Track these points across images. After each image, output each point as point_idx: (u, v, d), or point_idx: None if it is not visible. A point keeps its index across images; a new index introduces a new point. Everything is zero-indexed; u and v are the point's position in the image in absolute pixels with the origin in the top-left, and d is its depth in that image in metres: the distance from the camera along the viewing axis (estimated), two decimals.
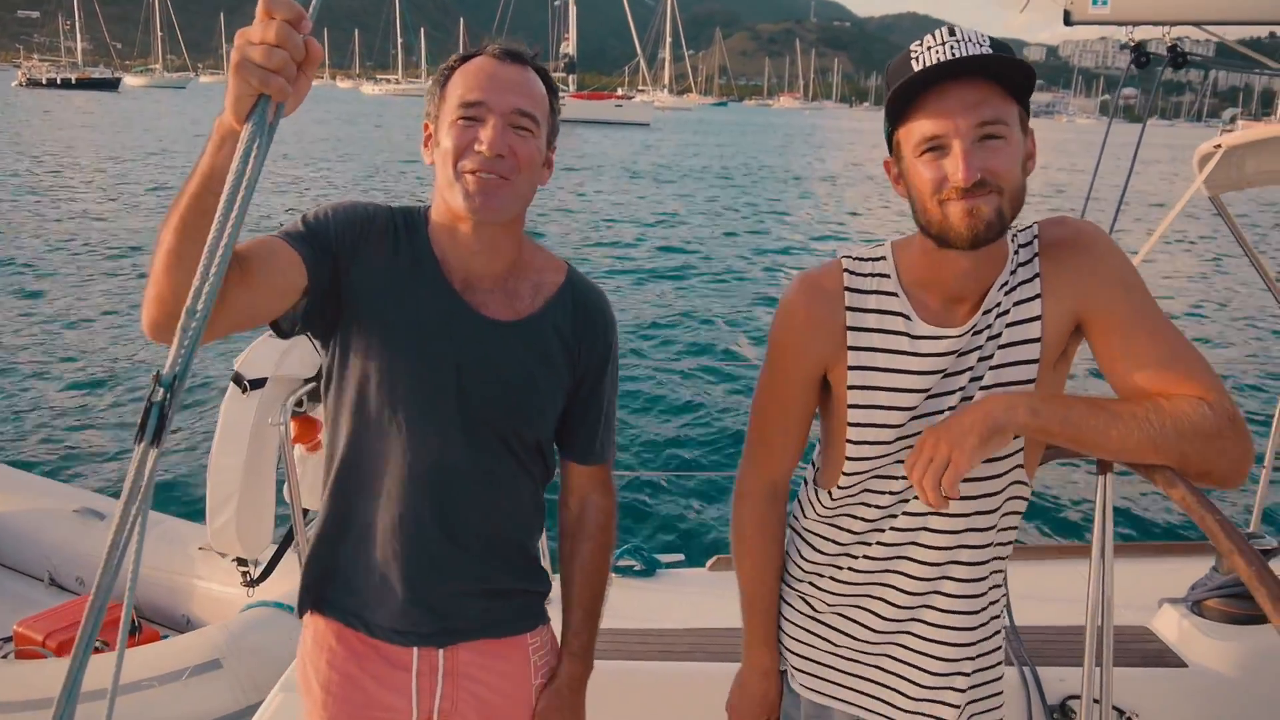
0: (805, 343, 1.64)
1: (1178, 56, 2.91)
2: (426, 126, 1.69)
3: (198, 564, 3.30)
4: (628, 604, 3.11)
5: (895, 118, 1.48)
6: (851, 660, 1.75)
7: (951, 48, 1.40)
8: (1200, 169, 3.22)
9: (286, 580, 3.16)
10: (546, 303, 1.74)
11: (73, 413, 8.38)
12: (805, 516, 1.77)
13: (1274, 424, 3.57)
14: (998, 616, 1.73)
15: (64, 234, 17.13)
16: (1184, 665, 2.78)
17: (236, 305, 1.38)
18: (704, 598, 3.13)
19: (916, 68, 1.41)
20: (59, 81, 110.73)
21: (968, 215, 1.41)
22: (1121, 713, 2.64)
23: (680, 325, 11.91)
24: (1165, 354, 1.46)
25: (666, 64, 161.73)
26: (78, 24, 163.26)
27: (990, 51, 1.40)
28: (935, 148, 1.42)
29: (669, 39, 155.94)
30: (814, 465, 1.78)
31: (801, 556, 1.77)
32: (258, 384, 2.49)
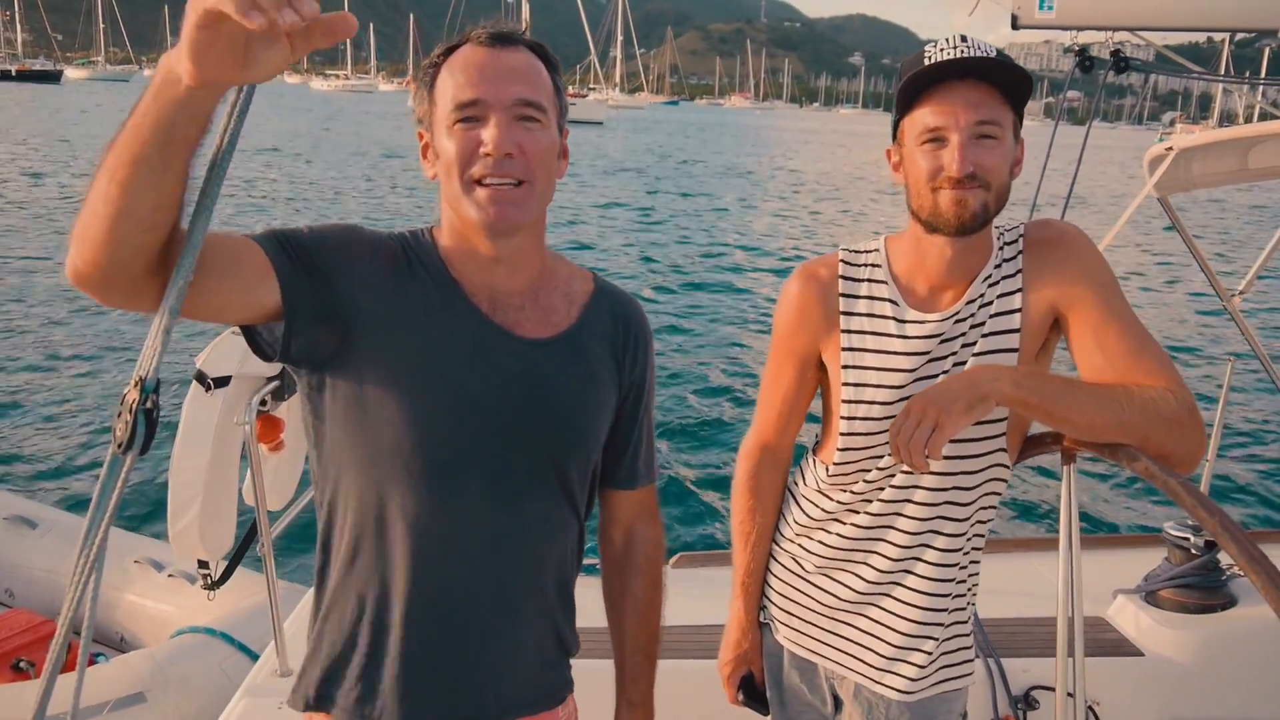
0: (799, 325, 1.81)
1: (1120, 61, 2.99)
2: (421, 135, 1.49)
3: (135, 578, 3.10)
4: (590, 602, 3.11)
5: (904, 108, 1.63)
6: (832, 619, 1.87)
7: (962, 51, 1.55)
8: (1151, 171, 3.31)
9: (229, 599, 2.99)
10: (582, 313, 1.56)
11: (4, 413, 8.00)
12: (803, 483, 1.91)
13: (1215, 424, 3.66)
14: (970, 594, 1.85)
15: None
16: (1140, 654, 2.84)
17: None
18: (670, 594, 3.11)
19: (927, 65, 1.57)
20: None
21: (956, 204, 1.57)
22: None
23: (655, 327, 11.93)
24: (1133, 347, 1.59)
25: (618, 62, 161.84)
26: (17, 15, 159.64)
27: (996, 58, 1.55)
28: (935, 139, 1.58)
29: (620, 37, 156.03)
30: (815, 438, 1.93)
31: (794, 519, 1.91)
32: (221, 382, 2.42)
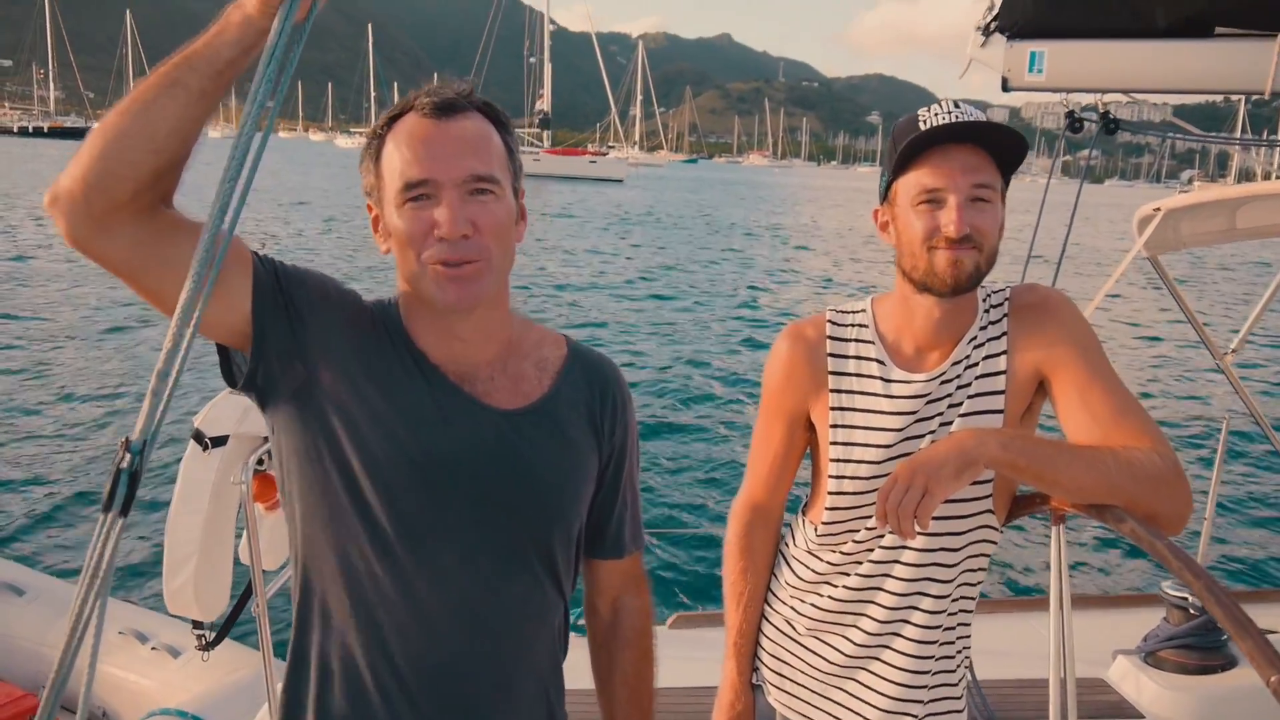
0: (787, 384, 1.84)
1: (1110, 122, 3.03)
2: (370, 208, 1.43)
3: (117, 650, 2.99)
4: (589, 665, 3.07)
5: (898, 169, 1.67)
6: (824, 682, 1.88)
7: (958, 116, 1.61)
8: (1140, 231, 3.35)
9: (212, 674, 2.91)
10: (556, 380, 1.50)
11: None
12: (793, 544, 1.93)
13: (1212, 482, 3.64)
14: (961, 654, 1.84)
15: None
16: (1140, 717, 2.81)
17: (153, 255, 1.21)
18: (665, 656, 3.09)
19: (924, 129, 1.61)
20: (30, 130, 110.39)
21: (952, 265, 1.61)
22: None
23: (645, 383, 11.83)
24: (1117, 409, 1.60)
25: (638, 121, 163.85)
26: (51, 73, 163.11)
27: (995, 124, 1.60)
28: (932, 200, 1.62)
29: (640, 96, 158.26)
30: (805, 499, 1.94)
31: (786, 580, 1.92)
32: (219, 441, 2.42)
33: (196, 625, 2.62)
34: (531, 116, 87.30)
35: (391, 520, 1.36)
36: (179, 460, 2.45)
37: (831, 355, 1.81)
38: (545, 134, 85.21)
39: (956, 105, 1.64)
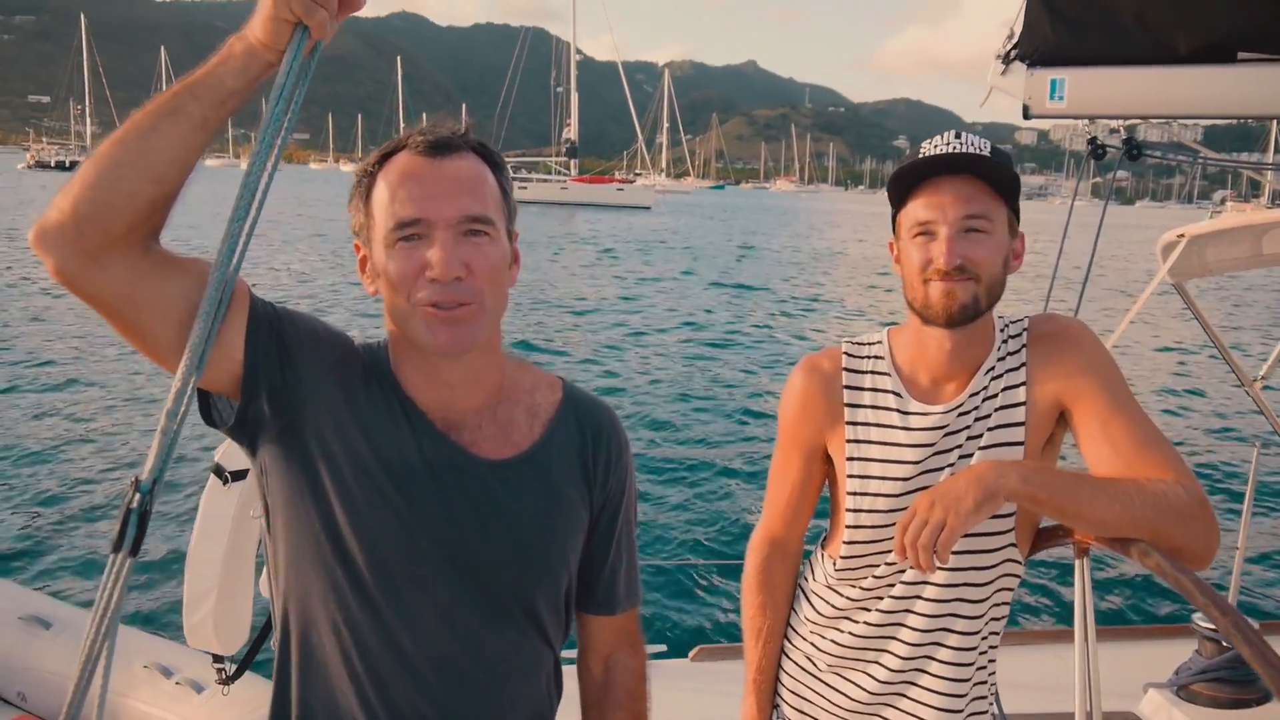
0: (803, 416, 1.83)
1: (1132, 148, 3.01)
2: (358, 248, 1.40)
3: (141, 683, 2.97)
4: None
5: (899, 203, 1.68)
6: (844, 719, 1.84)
7: (954, 148, 1.60)
8: (1164, 258, 3.32)
9: (232, 710, 2.84)
10: (547, 428, 1.46)
11: (26, 503, 7.74)
12: (812, 578, 1.91)
13: (1244, 512, 3.58)
14: (986, 697, 1.82)
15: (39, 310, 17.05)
16: None
17: (141, 293, 1.17)
18: (688, 690, 3.10)
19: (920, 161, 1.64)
20: (67, 164, 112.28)
21: (945, 296, 1.61)
22: None
23: (667, 418, 11.68)
24: (1140, 440, 1.58)
25: (664, 148, 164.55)
26: (87, 108, 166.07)
27: (986, 154, 1.59)
28: (925, 232, 1.63)
29: (667, 124, 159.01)
30: (824, 533, 1.93)
31: (805, 616, 1.90)
32: (239, 475, 2.43)
33: (217, 659, 2.63)
34: (559, 145, 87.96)
35: (372, 569, 1.33)
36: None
37: (847, 387, 1.80)
38: (572, 163, 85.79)
39: (958, 135, 1.64)
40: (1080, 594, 1.71)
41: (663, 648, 3.46)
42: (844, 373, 1.81)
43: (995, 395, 1.70)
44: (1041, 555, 1.81)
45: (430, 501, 1.34)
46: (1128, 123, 2.99)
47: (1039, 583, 6.51)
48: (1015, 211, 1.67)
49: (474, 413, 1.41)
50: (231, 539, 2.43)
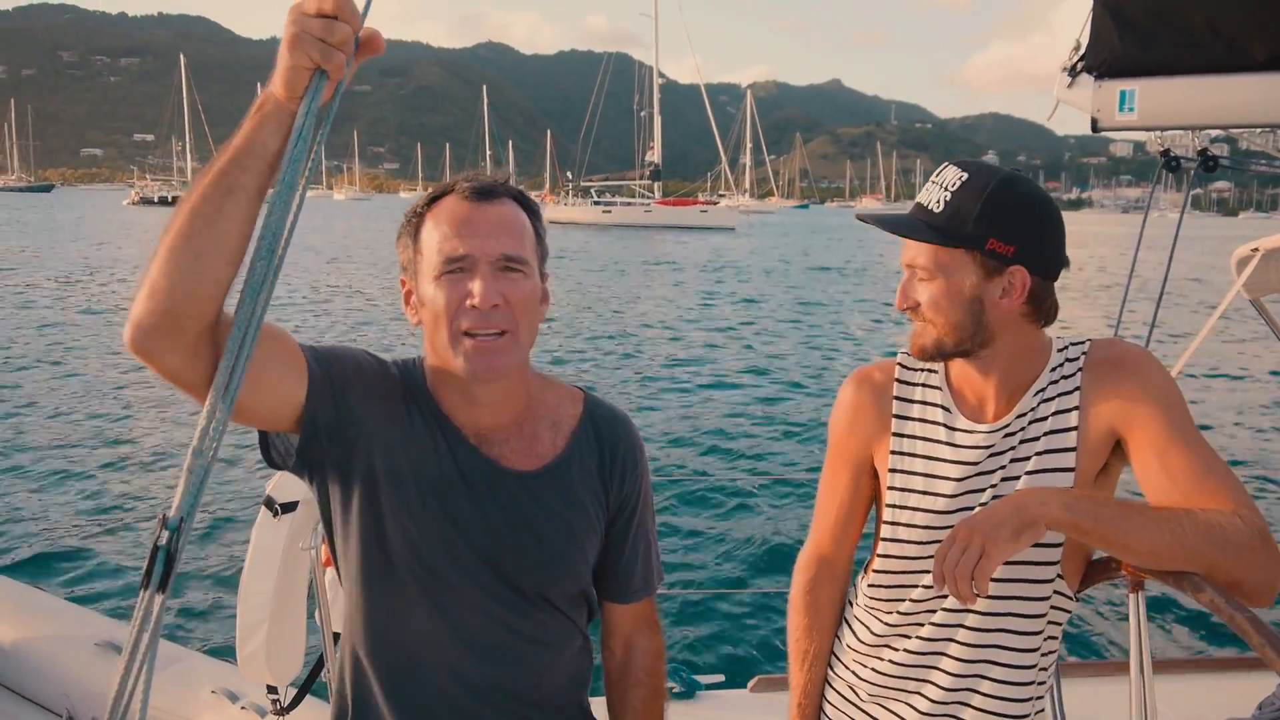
0: (852, 428, 1.82)
1: (1208, 160, 2.89)
2: (403, 282, 1.57)
3: (209, 707, 3.04)
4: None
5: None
6: None
7: (926, 190, 1.65)
8: (1238, 273, 3.17)
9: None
10: (569, 442, 1.63)
11: (96, 530, 7.77)
12: (855, 604, 1.88)
13: None
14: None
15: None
16: None
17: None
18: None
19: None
20: (170, 199, 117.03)
21: (913, 334, 1.68)
22: None
23: (724, 436, 11.52)
24: (1199, 469, 1.50)
25: (748, 169, 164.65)
26: (188, 145, 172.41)
27: (948, 198, 1.59)
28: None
29: (750, 144, 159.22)
30: (869, 559, 1.89)
31: (848, 643, 1.87)
32: (289, 508, 2.45)
33: (271, 690, 2.65)
34: (642, 169, 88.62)
35: (418, 576, 1.51)
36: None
37: (898, 399, 1.79)
38: (656, 185, 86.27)
39: (940, 173, 1.65)
40: (1135, 629, 1.63)
41: (720, 677, 3.39)
42: (895, 384, 1.80)
43: (1045, 418, 1.64)
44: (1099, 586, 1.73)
45: (466, 510, 1.52)
46: (1203, 133, 2.87)
47: (1103, 613, 6.24)
48: (983, 250, 1.58)
49: (503, 429, 1.58)
50: (282, 570, 2.44)
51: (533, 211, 1.55)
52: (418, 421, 1.53)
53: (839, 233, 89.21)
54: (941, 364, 1.76)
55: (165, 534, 1.10)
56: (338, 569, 1.60)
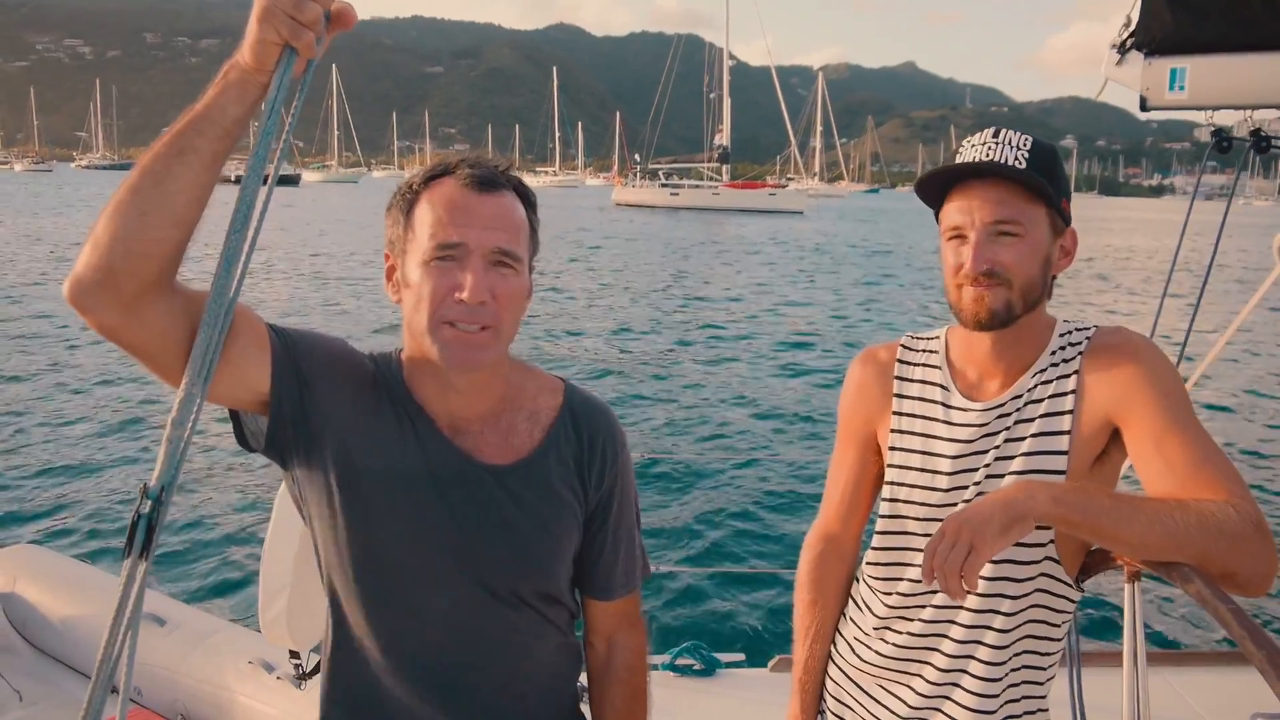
0: (857, 405, 1.85)
1: (1261, 140, 2.79)
2: (387, 257, 1.50)
3: (247, 679, 3.11)
4: (686, 706, 3.03)
5: (936, 203, 1.68)
6: None
7: (989, 149, 1.58)
8: None
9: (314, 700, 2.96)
10: (546, 434, 1.56)
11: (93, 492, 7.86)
12: (860, 581, 1.88)
13: None
14: (1020, 718, 1.72)
15: None
16: None
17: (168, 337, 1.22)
18: (766, 700, 3.01)
19: (959, 161, 1.61)
20: (234, 179, 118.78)
21: (974, 301, 1.59)
22: None
23: (755, 415, 11.43)
24: (1195, 458, 1.48)
25: (817, 152, 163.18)
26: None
27: (1027, 156, 1.56)
28: (957, 235, 1.61)
29: (820, 127, 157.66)
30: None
31: (852, 622, 1.87)
32: None
33: (293, 655, 2.71)
34: (711, 151, 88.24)
35: (387, 567, 1.47)
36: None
37: (898, 378, 1.80)
38: (724, 168, 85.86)
39: (996, 134, 1.60)
40: (1130, 621, 1.60)
41: (740, 656, 3.38)
42: (898, 363, 1.82)
43: (1040, 400, 1.63)
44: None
45: (437, 507, 1.46)
46: (1257, 114, 2.77)
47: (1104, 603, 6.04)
48: (1058, 209, 1.60)
49: (479, 419, 1.52)
50: (303, 538, 2.46)
51: (530, 204, 1.51)
52: (387, 414, 1.48)
53: (916, 217, 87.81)
54: (943, 344, 1.77)
55: (147, 503, 1.13)
56: (314, 545, 1.56)
